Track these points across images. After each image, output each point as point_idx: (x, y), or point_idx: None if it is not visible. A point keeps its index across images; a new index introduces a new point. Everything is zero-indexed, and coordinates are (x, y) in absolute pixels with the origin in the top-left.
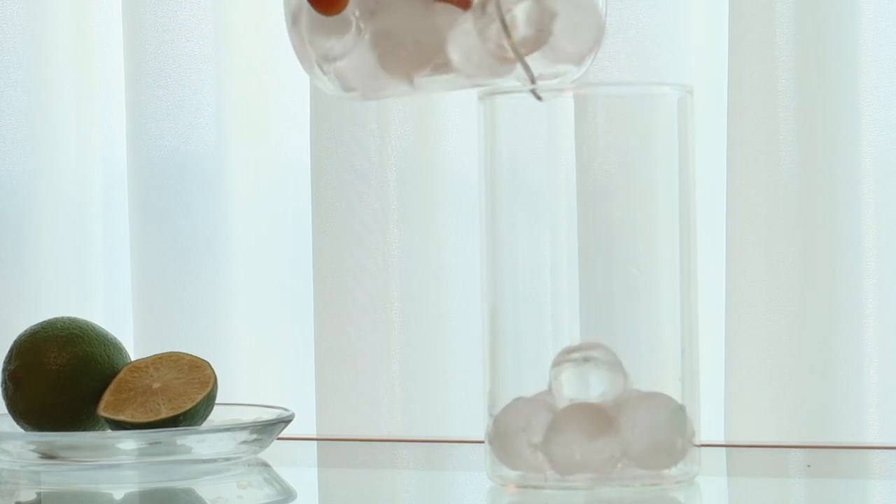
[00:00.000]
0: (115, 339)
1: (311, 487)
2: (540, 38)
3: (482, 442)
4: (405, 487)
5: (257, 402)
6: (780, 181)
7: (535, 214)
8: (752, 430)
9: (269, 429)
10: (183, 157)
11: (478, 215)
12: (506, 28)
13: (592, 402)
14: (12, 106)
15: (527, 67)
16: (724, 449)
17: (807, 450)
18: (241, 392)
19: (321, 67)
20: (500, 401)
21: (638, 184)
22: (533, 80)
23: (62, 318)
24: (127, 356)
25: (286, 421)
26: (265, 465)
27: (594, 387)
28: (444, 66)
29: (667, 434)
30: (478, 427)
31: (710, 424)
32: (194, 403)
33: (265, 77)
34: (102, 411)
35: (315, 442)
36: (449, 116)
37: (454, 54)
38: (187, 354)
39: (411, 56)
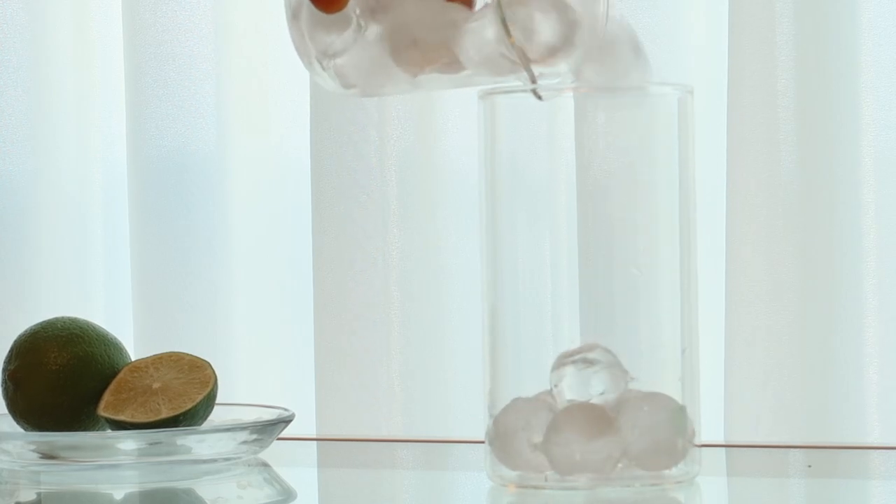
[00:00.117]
0: (115, 339)
1: (311, 487)
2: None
3: (482, 442)
4: (405, 487)
5: (257, 402)
6: (780, 181)
7: (535, 214)
8: (752, 430)
9: (270, 429)
10: (183, 157)
11: (478, 215)
12: (506, 28)
13: (592, 403)
14: (12, 106)
15: (528, 68)
16: (723, 449)
17: (807, 450)
18: (241, 392)
19: (321, 63)
20: (500, 401)
21: (638, 184)
22: (534, 80)
23: (62, 318)
24: (127, 356)
25: (286, 421)
26: (265, 465)
27: (595, 388)
28: (447, 64)
29: (667, 434)
30: (478, 427)
31: (709, 424)
32: (194, 403)
33: (265, 77)
34: (102, 411)
35: (315, 442)
36: (449, 116)
37: (458, 53)
38: (187, 354)
39: (414, 54)
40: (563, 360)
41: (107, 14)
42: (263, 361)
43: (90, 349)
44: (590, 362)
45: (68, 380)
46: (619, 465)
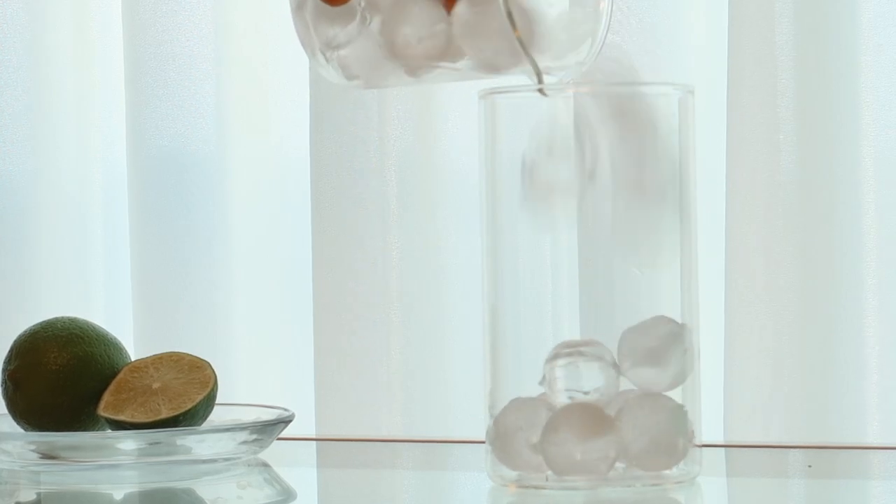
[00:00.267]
0: (115, 339)
1: (312, 488)
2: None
3: (482, 442)
4: (405, 487)
5: (257, 402)
6: (780, 181)
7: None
8: (752, 430)
9: (269, 429)
10: (183, 157)
11: (478, 215)
12: (512, 21)
13: (589, 403)
14: (12, 106)
15: (532, 61)
16: (723, 449)
17: (807, 450)
18: (241, 392)
19: (324, 55)
20: (501, 401)
21: (639, 183)
22: (539, 73)
23: (62, 318)
24: (127, 356)
25: (286, 421)
26: (265, 465)
27: (586, 380)
28: (453, 58)
29: (666, 434)
30: (478, 427)
31: (709, 425)
32: (194, 403)
33: (265, 77)
34: (102, 411)
35: (315, 442)
36: (449, 116)
37: (462, 46)
38: (187, 354)
39: (419, 48)
40: (557, 352)
41: (107, 14)
42: (263, 361)
43: (90, 349)
44: (581, 354)
45: (68, 380)
46: (620, 465)
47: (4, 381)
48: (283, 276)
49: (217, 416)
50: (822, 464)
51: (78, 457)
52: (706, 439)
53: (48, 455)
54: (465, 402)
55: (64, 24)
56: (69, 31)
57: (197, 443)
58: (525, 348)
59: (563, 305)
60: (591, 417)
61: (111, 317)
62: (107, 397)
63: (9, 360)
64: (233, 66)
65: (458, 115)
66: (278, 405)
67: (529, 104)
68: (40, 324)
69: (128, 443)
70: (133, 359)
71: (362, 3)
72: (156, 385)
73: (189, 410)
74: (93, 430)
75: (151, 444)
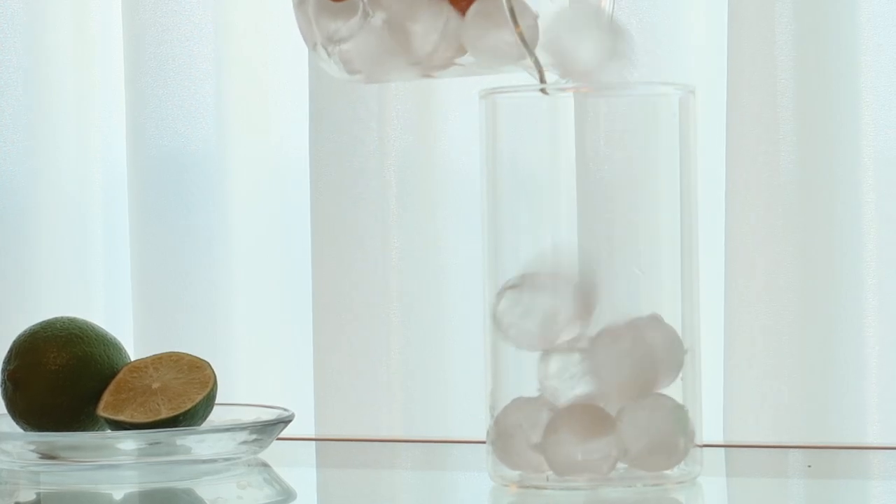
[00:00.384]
0: (114, 339)
1: (312, 488)
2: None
3: (482, 442)
4: (405, 487)
5: (257, 402)
6: (779, 181)
7: (536, 214)
8: (752, 430)
9: (269, 429)
10: (183, 157)
11: (478, 215)
12: (514, 18)
13: (590, 403)
14: (12, 106)
15: (535, 58)
16: (723, 449)
17: (807, 450)
18: (241, 392)
19: (326, 49)
20: (501, 400)
21: (639, 183)
22: (541, 71)
23: (62, 318)
24: (127, 356)
25: (286, 421)
26: (265, 465)
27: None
28: (455, 54)
29: (665, 434)
30: (478, 427)
31: (709, 425)
32: (194, 403)
33: (265, 77)
34: (102, 411)
35: (315, 442)
36: (449, 115)
37: (463, 42)
38: (187, 354)
39: (430, 46)
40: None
41: (107, 14)
42: (263, 361)
43: (90, 349)
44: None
45: (68, 380)
46: (621, 465)
47: (4, 381)
48: (282, 276)
49: (217, 416)
50: (822, 464)
51: (78, 457)
52: (706, 439)
53: (48, 455)
54: (465, 402)
55: (64, 24)
56: (69, 31)
57: (197, 443)
58: None
59: None
60: (592, 417)
61: (111, 317)
62: (106, 397)
63: (8, 360)
64: (233, 66)
65: (458, 114)
66: (278, 405)
67: (530, 104)
68: (40, 324)
69: (128, 443)
70: (133, 359)
71: None
72: (155, 385)
73: (189, 410)
74: (92, 430)
75: (151, 444)
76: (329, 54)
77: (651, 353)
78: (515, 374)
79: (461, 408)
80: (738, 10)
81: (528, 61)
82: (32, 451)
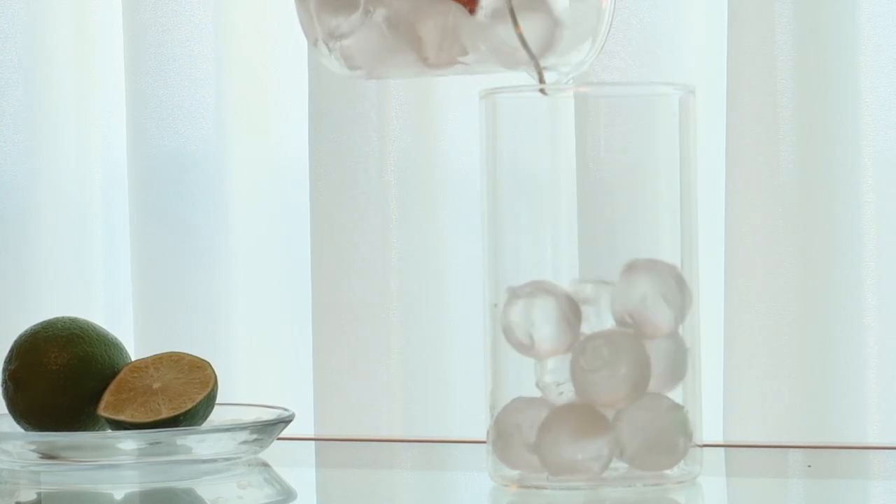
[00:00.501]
0: (115, 339)
1: (312, 488)
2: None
3: (482, 442)
4: (405, 488)
5: (257, 402)
6: (779, 181)
7: (536, 214)
8: (752, 430)
9: (270, 429)
10: (183, 156)
11: (478, 215)
12: (514, 18)
13: (584, 403)
14: (12, 106)
15: (534, 58)
16: (723, 449)
17: (807, 450)
18: (241, 392)
19: (327, 45)
20: (501, 400)
21: (639, 183)
22: (540, 71)
23: (62, 318)
24: (127, 356)
25: (286, 421)
26: (265, 465)
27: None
28: (456, 53)
29: (662, 434)
30: (478, 427)
31: (709, 425)
32: (194, 403)
33: (265, 77)
34: (102, 411)
35: (315, 442)
36: (449, 115)
37: (464, 42)
38: (187, 354)
39: (422, 43)
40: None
41: (107, 14)
42: (263, 361)
43: (90, 349)
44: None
45: (68, 380)
46: (622, 465)
47: (5, 381)
48: (282, 276)
49: (217, 416)
50: (822, 464)
51: (78, 457)
52: (706, 439)
53: (48, 455)
54: (465, 402)
55: (64, 24)
56: (69, 31)
57: (197, 443)
58: None
59: None
60: (585, 417)
61: (111, 317)
62: (107, 397)
63: (9, 360)
64: (233, 66)
65: (458, 114)
66: (278, 405)
67: (530, 104)
68: (40, 324)
69: (128, 443)
70: (133, 359)
71: None
72: (156, 385)
73: (189, 410)
74: (93, 430)
75: (151, 443)
76: (330, 50)
77: (644, 355)
78: (515, 374)
79: (461, 408)
80: (738, 10)
81: (530, 62)
82: (33, 450)
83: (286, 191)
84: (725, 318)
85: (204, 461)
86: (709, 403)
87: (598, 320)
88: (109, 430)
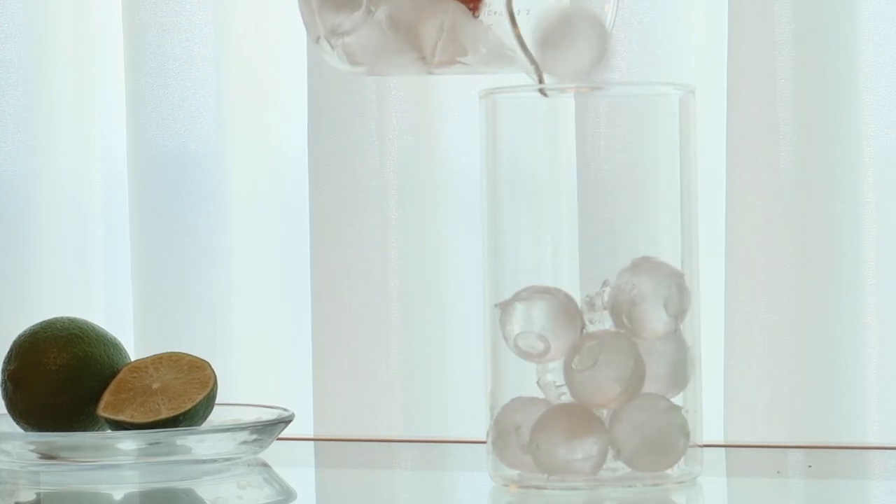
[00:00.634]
0: (114, 339)
1: (311, 488)
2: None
3: (482, 442)
4: (405, 488)
5: (257, 402)
6: (779, 181)
7: (536, 214)
8: (752, 430)
9: (269, 429)
10: (183, 156)
11: (478, 215)
12: (512, 19)
13: (578, 403)
14: (12, 106)
15: (534, 62)
16: (723, 449)
17: (807, 450)
18: (241, 392)
19: (329, 41)
20: (501, 400)
21: (639, 183)
22: (540, 73)
23: (62, 318)
24: (127, 356)
25: (286, 421)
26: (265, 465)
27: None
28: (456, 53)
29: (659, 434)
30: (478, 427)
31: (709, 425)
32: (194, 404)
33: (265, 77)
34: (102, 411)
35: (315, 442)
36: (449, 115)
37: (464, 43)
38: (187, 354)
39: (423, 43)
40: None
41: (107, 14)
42: (263, 361)
43: (90, 349)
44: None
45: (68, 380)
46: (621, 465)
47: (4, 382)
48: (282, 276)
49: (217, 416)
50: (822, 464)
51: (78, 457)
52: (706, 439)
53: (48, 455)
54: (465, 402)
55: (64, 24)
56: (69, 31)
57: (197, 443)
58: None
59: None
60: (578, 418)
61: (111, 317)
62: (106, 397)
63: (8, 360)
64: (233, 66)
65: (458, 114)
66: (278, 405)
67: (530, 104)
68: (40, 324)
69: (128, 443)
70: (133, 359)
71: None
72: (155, 385)
73: (189, 410)
74: (92, 430)
75: (151, 444)
76: (332, 47)
77: (638, 356)
78: (515, 374)
79: (461, 408)
80: (738, 10)
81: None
82: (32, 451)
83: (286, 191)
84: (726, 318)
85: (204, 461)
86: (709, 403)
87: (599, 321)
88: (109, 431)
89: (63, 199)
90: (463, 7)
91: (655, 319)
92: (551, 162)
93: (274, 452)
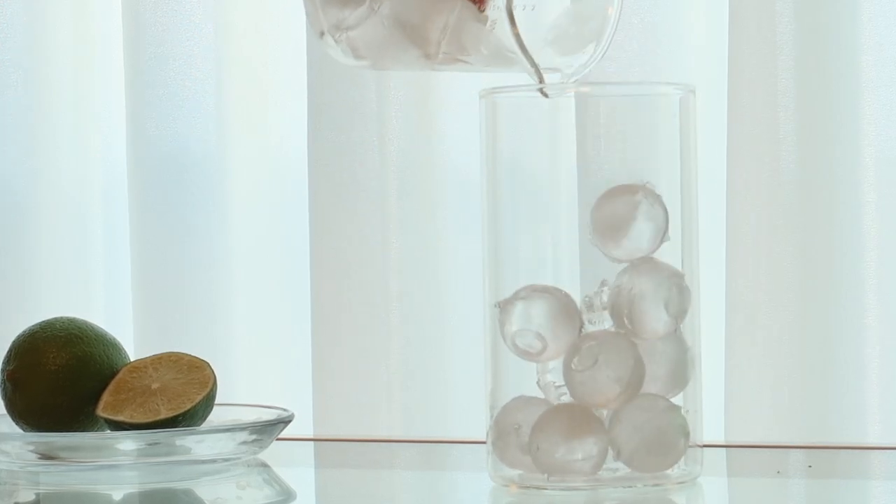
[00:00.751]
0: (114, 339)
1: (311, 488)
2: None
3: (482, 442)
4: (405, 488)
5: (257, 402)
6: (780, 181)
7: (536, 214)
8: (752, 430)
9: (269, 429)
10: (183, 157)
11: (478, 214)
12: (512, 20)
13: (577, 404)
14: (12, 106)
15: (532, 62)
16: (724, 449)
17: (807, 450)
18: (240, 392)
19: (333, 36)
20: (501, 400)
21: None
22: (539, 73)
23: (61, 318)
24: (126, 356)
25: (286, 421)
26: (265, 465)
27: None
28: (458, 52)
29: (658, 434)
30: (478, 427)
31: (709, 425)
32: (194, 404)
33: (265, 77)
34: (101, 412)
35: (315, 442)
36: (449, 115)
37: (465, 43)
38: (187, 355)
39: (425, 41)
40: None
41: (107, 14)
42: (263, 361)
43: (89, 349)
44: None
45: (67, 380)
46: (621, 465)
47: (3, 382)
48: (282, 276)
49: (216, 416)
50: (822, 464)
51: (77, 457)
52: (707, 439)
53: (47, 455)
54: (465, 402)
55: (64, 24)
56: (69, 31)
57: (196, 443)
58: None
59: None
60: (577, 418)
61: (111, 317)
62: (106, 397)
63: (8, 360)
64: (233, 66)
65: (458, 114)
66: (278, 405)
67: (530, 104)
68: (40, 324)
69: (127, 443)
70: (132, 359)
71: None
72: (155, 385)
73: (188, 411)
74: (92, 430)
75: (151, 444)
76: (336, 41)
77: (638, 356)
78: (515, 374)
79: (461, 408)
80: (738, 10)
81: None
82: (32, 451)
83: (286, 191)
84: (726, 319)
85: (203, 462)
86: (709, 403)
87: (598, 321)
88: (108, 431)
89: (63, 199)
90: (469, 5)
91: (655, 320)
92: (551, 162)
93: (274, 452)
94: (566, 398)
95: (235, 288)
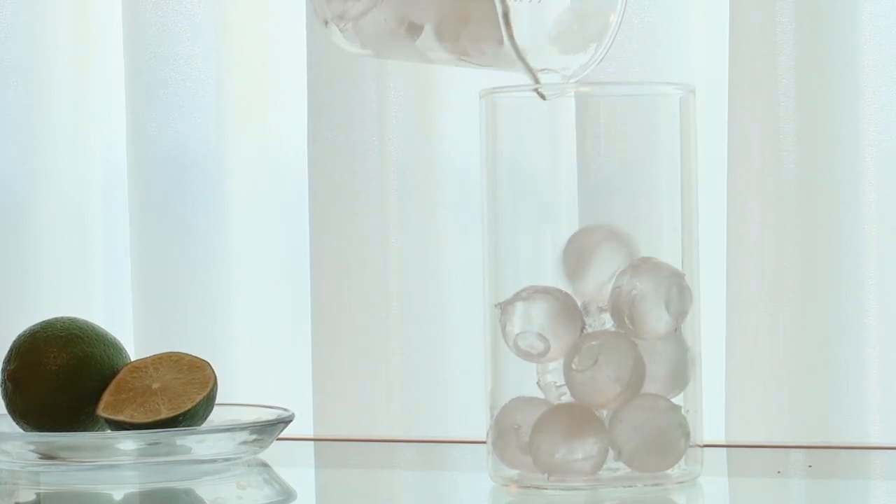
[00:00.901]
0: (114, 339)
1: (311, 488)
2: None
3: (482, 442)
4: (405, 488)
5: (257, 402)
6: (780, 181)
7: (536, 214)
8: (753, 430)
9: (269, 429)
10: (183, 157)
11: (478, 214)
12: (507, 23)
13: (576, 403)
14: (12, 106)
15: (527, 65)
16: (724, 449)
17: (807, 450)
18: (241, 392)
19: (337, 25)
20: (501, 400)
21: (640, 183)
22: (535, 75)
23: (62, 318)
24: (127, 356)
25: (286, 421)
26: (265, 465)
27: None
28: (459, 51)
29: (658, 434)
30: (478, 427)
31: (710, 425)
32: (194, 404)
33: (265, 77)
34: (102, 412)
35: (315, 442)
36: (449, 115)
37: (468, 46)
38: (187, 354)
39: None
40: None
41: (107, 14)
42: (263, 361)
43: (90, 349)
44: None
45: (68, 380)
46: (621, 465)
47: (4, 382)
48: (282, 276)
49: (217, 416)
50: (822, 464)
51: (77, 457)
52: (707, 439)
53: (48, 455)
54: (465, 402)
55: (64, 24)
56: (69, 31)
57: (197, 443)
58: None
59: None
60: (577, 418)
61: (111, 317)
62: (106, 397)
63: (8, 360)
64: (233, 66)
65: (458, 114)
66: (278, 405)
67: (530, 104)
68: (40, 324)
69: (127, 443)
70: (133, 359)
71: None
72: (155, 385)
73: (189, 410)
74: (92, 430)
75: (151, 444)
76: (341, 30)
77: (638, 356)
78: (515, 375)
79: (461, 408)
80: (738, 10)
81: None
82: (32, 451)
83: (286, 191)
84: (726, 318)
85: (203, 461)
86: (709, 403)
87: (599, 321)
88: (109, 431)
89: (63, 199)
90: (475, 5)
91: (656, 320)
92: (551, 162)
93: (274, 452)
94: (566, 398)
95: (235, 288)
